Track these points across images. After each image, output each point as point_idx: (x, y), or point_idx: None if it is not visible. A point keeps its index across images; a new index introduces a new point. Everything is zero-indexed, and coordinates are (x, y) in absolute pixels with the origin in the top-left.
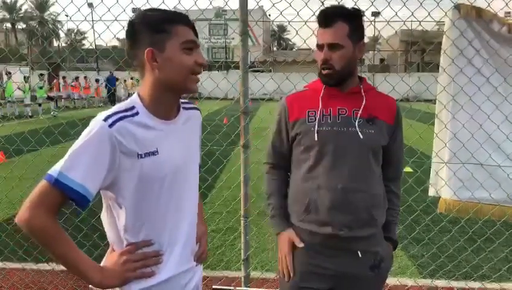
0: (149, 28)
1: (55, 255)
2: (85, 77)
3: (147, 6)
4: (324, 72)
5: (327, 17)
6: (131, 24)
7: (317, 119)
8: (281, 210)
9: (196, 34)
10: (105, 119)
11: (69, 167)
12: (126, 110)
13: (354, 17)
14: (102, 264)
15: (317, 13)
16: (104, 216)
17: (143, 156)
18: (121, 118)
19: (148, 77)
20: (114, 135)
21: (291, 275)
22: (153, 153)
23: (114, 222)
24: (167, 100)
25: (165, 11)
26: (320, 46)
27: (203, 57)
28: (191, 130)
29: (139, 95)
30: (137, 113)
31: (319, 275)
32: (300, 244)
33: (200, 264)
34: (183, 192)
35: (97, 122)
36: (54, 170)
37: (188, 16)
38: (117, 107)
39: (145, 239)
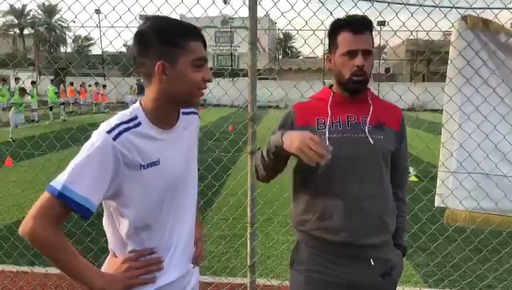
0: (162, 40)
1: (58, 264)
2: (96, 83)
3: (158, 14)
4: (357, 78)
5: (360, 25)
6: (143, 32)
7: (327, 126)
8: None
9: (205, 47)
10: (109, 132)
11: (73, 180)
12: (129, 121)
13: (372, 30)
14: (103, 270)
15: (326, 22)
16: (105, 223)
17: (146, 166)
18: (124, 130)
19: (154, 87)
20: (118, 148)
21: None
22: (155, 163)
23: (116, 230)
24: (169, 111)
25: (179, 23)
26: (350, 53)
27: (210, 73)
28: (190, 136)
29: (141, 105)
30: (139, 124)
31: (332, 284)
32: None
33: (197, 266)
34: (183, 199)
35: (100, 135)
36: (57, 182)
37: (200, 30)
38: (120, 116)
39: (147, 246)
